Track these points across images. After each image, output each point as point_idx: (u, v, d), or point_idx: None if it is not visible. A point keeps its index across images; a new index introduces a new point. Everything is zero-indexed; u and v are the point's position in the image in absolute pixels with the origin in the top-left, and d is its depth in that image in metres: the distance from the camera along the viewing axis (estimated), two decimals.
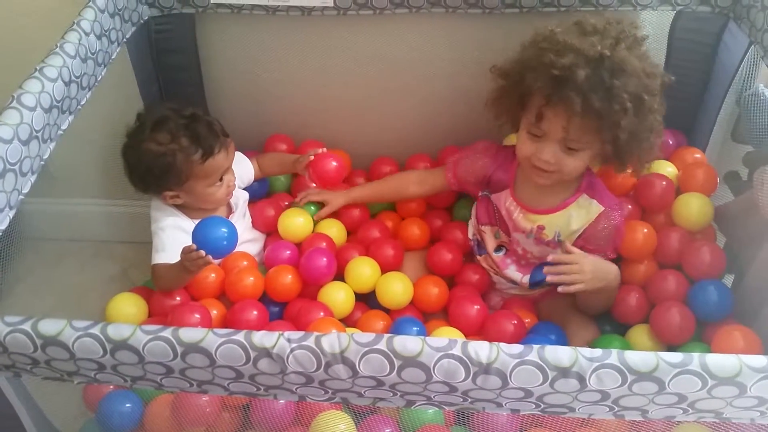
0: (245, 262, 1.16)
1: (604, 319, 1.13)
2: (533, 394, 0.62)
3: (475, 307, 1.10)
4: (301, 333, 0.62)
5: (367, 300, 1.18)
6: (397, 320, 1.08)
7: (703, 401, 0.61)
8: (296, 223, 1.22)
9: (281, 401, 0.87)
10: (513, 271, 1.18)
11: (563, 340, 1.06)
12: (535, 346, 0.60)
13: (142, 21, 1.18)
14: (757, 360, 0.59)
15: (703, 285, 1.06)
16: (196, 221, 1.14)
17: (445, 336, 1.00)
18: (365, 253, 1.20)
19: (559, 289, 1.02)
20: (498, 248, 1.19)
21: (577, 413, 0.65)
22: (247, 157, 1.29)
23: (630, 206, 1.19)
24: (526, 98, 1.03)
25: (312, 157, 1.23)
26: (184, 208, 1.17)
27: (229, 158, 1.14)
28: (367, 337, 0.61)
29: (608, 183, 1.17)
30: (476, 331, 1.09)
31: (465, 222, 1.25)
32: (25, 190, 0.83)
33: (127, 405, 0.90)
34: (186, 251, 1.01)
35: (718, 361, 0.59)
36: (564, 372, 0.59)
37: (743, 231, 1.09)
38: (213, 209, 1.19)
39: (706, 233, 1.15)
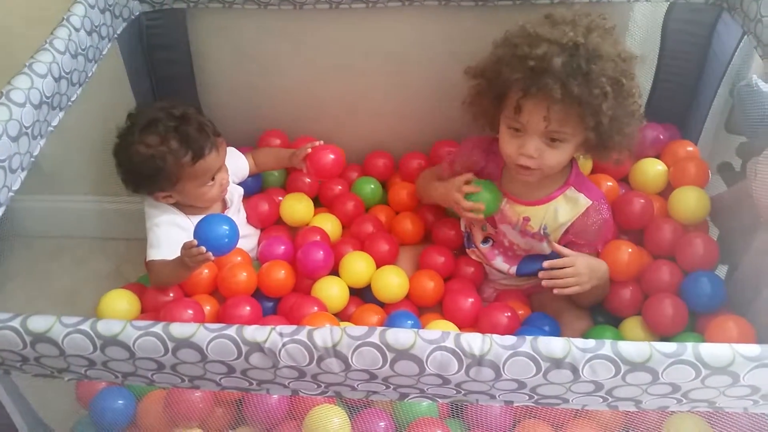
0: (239, 258, 1.15)
1: (597, 311, 1.13)
2: (526, 385, 0.62)
3: (469, 300, 1.10)
4: (293, 327, 0.62)
5: (361, 294, 1.17)
6: (391, 314, 1.08)
7: (696, 391, 0.61)
8: (299, 207, 1.25)
9: (274, 396, 0.87)
10: (500, 262, 1.18)
11: (556, 331, 1.06)
12: (528, 337, 0.60)
13: (133, 16, 1.17)
14: (750, 349, 0.58)
15: (695, 276, 1.06)
16: (191, 217, 1.14)
17: (440, 329, 1.01)
18: (360, 248, 1.20)
19: (555, 291, 1.02)
20: (485, 240, 1.19)
21: (570, 404, 0.65)
22: (242, 152, 1.28)
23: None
24: (504, 94, 1.02)
25: (309, 150, 1.22)
26: (179, 205, 1.16)
27: (220, 158, 1.13)
28: (359, 330, 0.61)
29: None
30: (471, 323, 1.09)
31: (457, 218, 1.24)
32: (15, 187, 0.83)
33: (120, 401, 0.89)
34: (187, 247, 1.00)
35: (712, 351, 0.59)
36: (557, 363, 0.59)
37: (736, 222, 1.09)
38: (208, 206, 1.18)
39: (699, 224, 1.15)
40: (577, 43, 0.94)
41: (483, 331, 1.00)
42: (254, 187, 1.33)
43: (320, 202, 1.34)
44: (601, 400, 0.63)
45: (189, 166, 1.09)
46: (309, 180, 1.32)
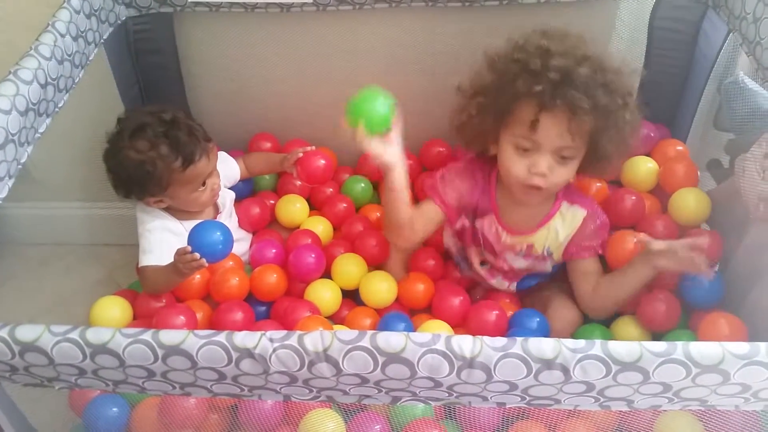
0: (231, 263, 1.15)
1: None
2: (518, 386, 0.62)
3: (458, 299, 1.10)
4: (283, 332, 0.62)
5: (354, 297, 1.17)
6: (384, 316, 1.08)
7: (687, 390, 0.61)
8: (294, 209, 1.26)
9: (269, 401, 0.86)
10: (499, 281, 1.17)
11: (545, 326, 1.06)
12: (519, 339, 0.60)
13: (119, 21, 1.17)
14: (740, 347, 0.59)
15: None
16: (184, 222, 1.14)
17: (433, 329, 1.01)
18: (351, 248, 1.20)
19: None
20: (482, 263, 1.17)
21: (562, 405, 0.65)
22: (233, 156, 1.28)
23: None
24: (507, 112, 0.98)
25: (300, 155, 1.22)
26: (171, 210, 1.16)
27: (211, 163, 1.13)
28: (350, 334, 0.61)
29: None
30: (460, 322, 1.09)
31: None
32: (2, 195, 0.82)
33: (114, 409, 0.89)
34: (180, 253, 1.00)
35: (702, 349, 0.59)
36: (548, 364, 0.59)
37: (727, 218, 1.09)
38: (200, 211, 1.18)
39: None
40: (588, 56, 0.93)
41: (472, 330, 1.00)
42: (245, 191, 1.33)
43: (312, 204, 1.34)
44: (593, 400, 0.63)
45: (179, 172, 1.08)
46: (299, 183, 1.31)
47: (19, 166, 0.86)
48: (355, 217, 1.28)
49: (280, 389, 0.65)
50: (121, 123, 1.11)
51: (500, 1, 1.15)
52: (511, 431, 0.84)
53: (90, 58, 1.06)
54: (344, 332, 0.61)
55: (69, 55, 0.98)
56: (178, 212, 1.15)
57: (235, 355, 0.61)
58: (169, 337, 0.61)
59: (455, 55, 1.20)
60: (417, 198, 1.23)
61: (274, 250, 1.18)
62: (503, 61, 0.98)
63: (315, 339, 0.61)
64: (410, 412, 0.87)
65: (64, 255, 1.60)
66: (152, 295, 1.09)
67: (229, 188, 1.26)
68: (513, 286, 1.17)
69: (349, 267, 1.15)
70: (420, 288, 1.13)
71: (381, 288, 1.12)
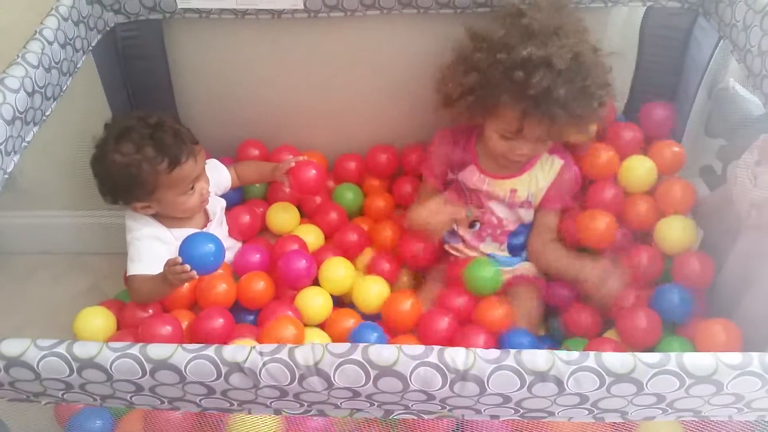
0: (220, 270, 1.14)
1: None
2: (511, 399, 0.61)
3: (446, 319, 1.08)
4: (273, 345, 0.61)
5: (341, 302, 1.17)
6: (358, 326, 1.07)
7: (681, 400, 0.61)
8: (286, 216, 1.26)
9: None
10: (489, 243, 1.20)
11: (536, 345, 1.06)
12: (512, 351, 0.60)
13: (108, 28, 1.16)
14: (733, 357, 0.58)
15: (665, 289, 1.06)
16: (173, 230, 1.13)
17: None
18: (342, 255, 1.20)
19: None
20: (471, 224, 1.20)
21: (556, 417, 0.65)
22: (223, 163, 1.27)
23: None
24: (493, 110, 1.07)
25: (292, 164, 1.21)
26: (160, 217, 1.14)
27: (198, 166, 1.12)
28: (341, 347, 0.60)
29: None
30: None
31: None
32: None
33: (98, 421, 0.89)
34: (170, 264, 0.98)
35: (695, 360, 0.58)
36: (541, 376, 0.59)
37: (720, 225, 1.09)
38: (189, 218, 1.17)
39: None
40: (568, 57, 0.98)
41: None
42: (235, 198, 1.31)
43: (302, 212, 1.33)
44: (587, 412, 0.63)
45: (165, 174, 1.07)
46: (289, 190, 1.31)
47: (6, 176, 0.85)
48: (349, 226, 1.27)
49: (270, 403, 0.65)
50: (108, 128, 1.11)
51: (492, 8, 1.15)
52: None
53: (78, 66, 1.05)
54: (336, 345, 0.60)
55: (57, 63, 0.97)
56: (167, 219, 1.14)
57: (224, 369, 0.60)
58: (157, 351, 0.60)
59: (446, 62, 1.20)
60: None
61: (257, 255, 1.17)
62: (485, 60, 1.03)
63: (306, 352, 0.60)
64: None
65: (51, 264, 1.58)
66: (139, 305, 1.08)
67: (219, 196, 1.25)
68: (504, 248, 1.19)
69: (338, 271, 1.14)
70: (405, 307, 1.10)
71: (372, 292, 1.12)
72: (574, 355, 0.59)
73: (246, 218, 1.25)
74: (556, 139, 1.11)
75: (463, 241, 1.21)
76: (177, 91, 1.30)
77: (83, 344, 0.61)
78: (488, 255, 1.19)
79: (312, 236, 1.24)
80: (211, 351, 0.60)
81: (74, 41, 1.03)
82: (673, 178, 1.18)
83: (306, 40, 1.23)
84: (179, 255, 0.98)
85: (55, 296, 1.50)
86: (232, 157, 1.36)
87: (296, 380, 0.60)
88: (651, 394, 0.60)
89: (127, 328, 1.05)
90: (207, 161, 1.19)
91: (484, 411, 0.64)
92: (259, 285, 1.11)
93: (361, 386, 0.60)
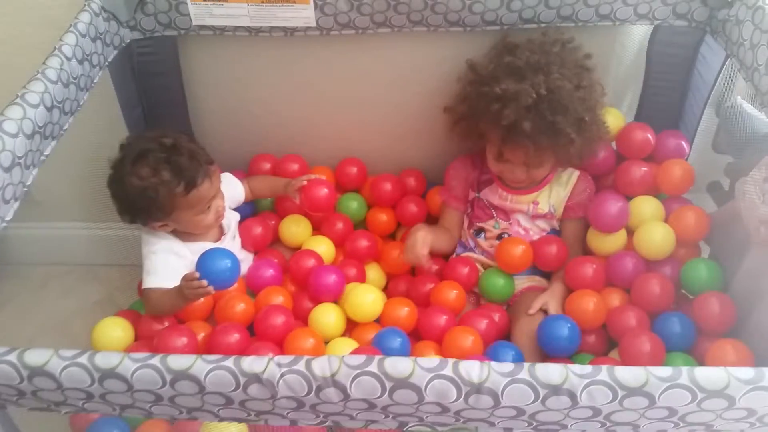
0: (235, 285, 1.15)
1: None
2: (525, 412, 0.62)
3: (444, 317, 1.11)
4: (291, 357, 0.62)
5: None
6: (379, 332, 1.08)
7: (693, 414, 0.62)
8: (297, 229, 1.29)
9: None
10: None
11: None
12: (526, 364, 0.60)
13: (124, 44, 1.18)
14: (745, 372, 0.59)
15: (665, 317, 1.06)
16: (189, 245, 1.14)
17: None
18: (360, 267, 1.23)
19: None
20: (499, 236, 1.25)
21: (569, 430, 0.65)
22: (236, 177, 1.29)
23: None
24: (485, 134, 1.17)
25: (305, 183, 1.23)
26: (176, 232, 1.16)
27: (214, 186, 1.13)
28: (357, 359, 0.61)
29: None
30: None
31: None
32: (8, 218, 0.83)
33: (115, 431, 0.89)
34: (188, 278, 1.00)
35: (707, 374, 0.59)
36: (555, 389, 0.60)
37: (727, 241, 1.10)
38: (205, 233, 1.18)
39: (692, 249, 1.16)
40: (539, 95, 1.06)
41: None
42: (246, 211, 1.33)
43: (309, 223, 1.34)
44: (599, 425, 0.64)
45: (182, 196, 1.08)
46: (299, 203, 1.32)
47: (25, 189, 0.87)
48: (356, 234, 1.29)
49: (287, 414, 0.66)
50: (124, 149, 1.12)
51: (501, 27, 1.16)
52: None
53: (95, 81, 1.07)
54: (352, 357, 0.61)
55: (74, 78, 0.99)
56: (183, 234, 1.16)
57: (242, 380, 0.61)
58: (178, 362, 0.61)
59: (457, 79, 1.21)
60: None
61: (271, 271, 1.19)
62: (473, 92, 1.15)
63: (323, 364, 0.61)
64: None
65: (64, 275, 1.60)
66: (154, 317, 1.09)
67: (233, 209, 1.27)
68: None
69: (367, 296, 1.13)
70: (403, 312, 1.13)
71: (366, 300, 1.12)
72: (588, 368, 0.60)
73: (258, 230, 1.27)
74: (564, 166, 1.22)
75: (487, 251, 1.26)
76: (191, 107, 1.32)
77: (105, 354, 0.62)
78: None
79: (324, 246, 1.26)
80: (230, 362, 0.61)
81: (91, 57, 1.05)
82: (688, 208, 1.16)
83: (318, 58, 1.25)
84: (197, 270, 0.99)
85: (68, 307, 1.52)
86: (243, 171, 1.38)
87: (313, 391, 0.61)
88: (663, 408, 0.61)
89: (143, 340, 1.07)
90: (221, 176, 1.20)
91: (498, 423, 0.64)
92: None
93: (377, 398, 0.61)
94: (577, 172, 1.24)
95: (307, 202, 1.23)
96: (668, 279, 1.10)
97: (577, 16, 1.15)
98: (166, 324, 1.08)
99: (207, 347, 1.04)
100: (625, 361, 1.01)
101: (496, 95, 1.09)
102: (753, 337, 0.97)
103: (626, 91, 1.30)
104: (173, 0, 1.15)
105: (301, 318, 1.13)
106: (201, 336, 1.06)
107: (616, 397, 0.60)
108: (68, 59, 0.98)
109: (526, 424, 0.64)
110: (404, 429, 0.67)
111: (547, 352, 1.08)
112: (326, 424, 0.67)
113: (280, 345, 1.04)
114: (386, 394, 0.61)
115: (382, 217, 1.35)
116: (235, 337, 1.03)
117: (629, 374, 0.59)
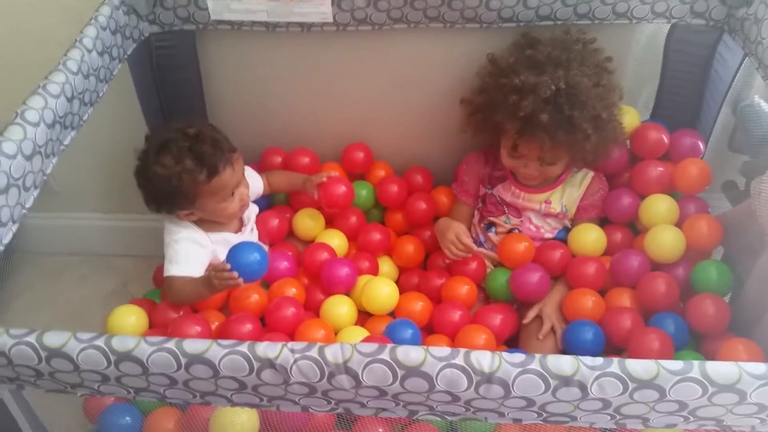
0: None
1: None
2: (535, 403, 0.62)
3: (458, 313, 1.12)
4: (304, 343, 0.63)
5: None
6: (391, 323, 1.09)
7: (703, 408, 0.61)
8: (312, 223, 1.30)
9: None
10: None
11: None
12: (537, 355, 0.61)
13: (143, 38, 1.19)
14: (757, 367, 0.59)
15: (660, 317, 1.06)
16: (210, 234, 1.16)
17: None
18: (374, 260, 1.24)
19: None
20: (509, 233, 1.26)
21: (578, 422, 0.65)
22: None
23: None
24: (500, 127, 1.16)
25: (324, 180, 1.24)
26: (200, 222, 1.17)
27: (236, 173, 1.14)
28: (370, 347, 0.62)
29: None
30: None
31: None
32: (28, 205, 0.84)
33: (127, 418, 0.91)
34: (218, 269, 1.01)
35: (718, 369, 0.59)
36: (566, 381, 0.60)
37: (741, 240, 1.09)
38: (228, 223, 1.20)
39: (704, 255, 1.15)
40: (559, 89, 1.06)
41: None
42: (263, 203, 1.34)
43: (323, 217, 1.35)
44: (609, 417, 0.64)
45: (205, 184, 1.10)
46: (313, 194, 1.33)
47: (44, 177, 0.88)
48: (369, 227, 1.30)
49: (299, 400, 0.66)
50: (149, 140, 1.14)
51: (517, 24, 1.16)
52: None
53: (114, 73, 1.08)
54: (364, 345, 0.62)
55: (94, 70, 1.00)
56: (206, 224, 1.17)
57: (256, 365, 0.62)
58: (193, 346, 0.62)
59: (473, 75, 1.22)
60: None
61: (285, 263, 1.20)
62: (492, 84, 1.15)
63: (335, 351, 0.62)
64: None
65: (79, 265, 1.62)
66: (171, 305, 1.10)
67: (252, 202, 1.28)
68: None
69: (383, 290, 1.15)
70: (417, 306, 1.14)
71: (382, 293, 1.14)
72: (599, 360, 0.60)
73: (275, 222, 1.28)
74: (578, 165, 1.22)
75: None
76: (208, 101, 1.33)
77: (121, 338, 0.63)
78: None
79: (337, 240, 1.27)
80: (244, 347, 0.62)
81: (111, 50, 1.07)
82: (701, 216, 1.15)
83: (334, 53, 1.26)
84: (227, 262, 1.00)
85: (83, 296, 1.54)
86: (255, 164, 1.38)
87: (325, 378, 0.62)
88: (673, 401, 0.61)
89: (157, 328, 1.08)
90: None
91: (508, 414, 0.65)
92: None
93: (388, 385, 0.62)
94: (591, 173, 1.24)
95: (325, 199, 1.25)
96: (673, 278, 1.10)
97: (594, 13, 1.15)
98: (181, 313, 1.10)
99: (220, 336, 1.05)
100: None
101: (514, 86, 1.09)
102: (766, 336, 0.97)
103: (642, 90, 1.30)
104: None
105: (314, 310, 1.14)
106: (215, 325, 1.07)
107: (627, 389, 0.60)
108: (89, 51, 0.99)
109: (536, 415, 0.64)
110: (414, 418, 0.68)
111: None
112: (337, 410, 0.68)
113: (291, 336, 1.05)
114: (398, 381, 0.61)
115: (399, 218, 1.36)
116: (247, 327, 1.05)
117: (640, 367, 0.59)
